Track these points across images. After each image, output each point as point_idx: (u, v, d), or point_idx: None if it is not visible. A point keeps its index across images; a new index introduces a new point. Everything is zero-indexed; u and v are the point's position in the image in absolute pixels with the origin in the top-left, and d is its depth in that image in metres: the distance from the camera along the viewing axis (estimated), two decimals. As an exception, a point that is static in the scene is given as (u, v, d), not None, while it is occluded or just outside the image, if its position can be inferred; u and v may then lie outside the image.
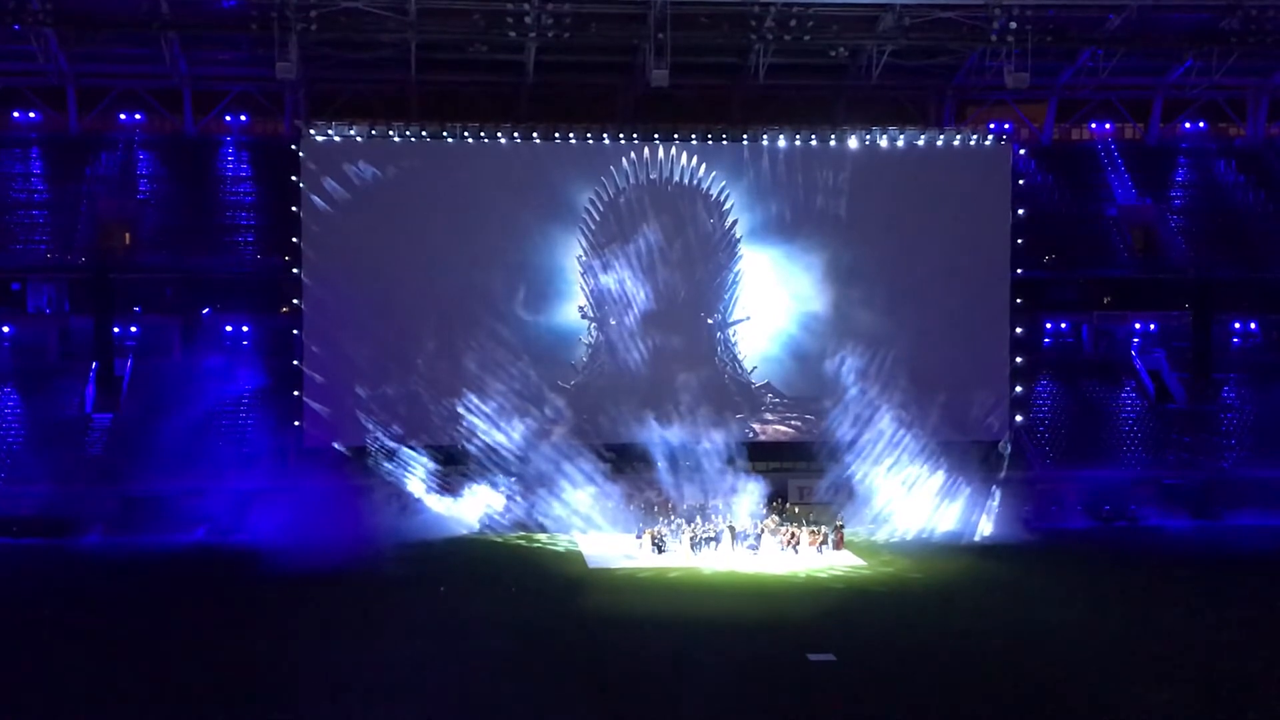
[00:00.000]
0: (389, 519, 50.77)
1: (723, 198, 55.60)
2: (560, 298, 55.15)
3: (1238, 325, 64.76)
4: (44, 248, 61.42)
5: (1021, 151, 61.21)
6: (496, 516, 52.54)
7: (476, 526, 52.29)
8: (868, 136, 56.48)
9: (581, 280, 55.25)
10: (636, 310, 55.28)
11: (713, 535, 48.00)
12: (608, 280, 55.19)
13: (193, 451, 52.16)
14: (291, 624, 37.15)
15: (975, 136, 57.77)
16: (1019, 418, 57.20)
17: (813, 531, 48.50)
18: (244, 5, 56.05)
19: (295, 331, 54.40)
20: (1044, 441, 59.33)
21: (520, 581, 43.30)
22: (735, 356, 56.04)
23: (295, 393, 53.92)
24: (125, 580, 43.41)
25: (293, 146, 55.18)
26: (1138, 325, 64.28)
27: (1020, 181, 58.35)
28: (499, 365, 53.63)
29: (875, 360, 54.01)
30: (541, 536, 51.16)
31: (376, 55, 60.27)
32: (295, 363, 54.08)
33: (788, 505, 51.95)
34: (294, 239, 54.34)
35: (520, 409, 53.42)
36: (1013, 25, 56.66)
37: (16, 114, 64.97)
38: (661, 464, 52.26)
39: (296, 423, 53.95)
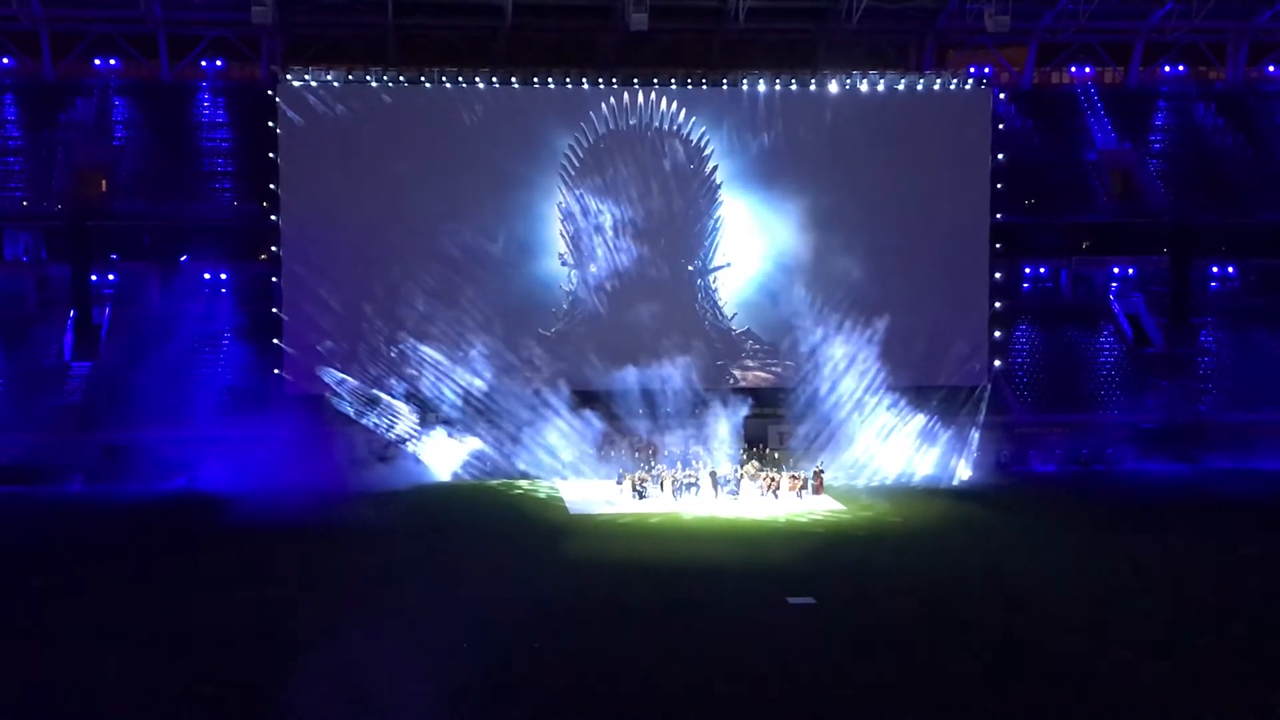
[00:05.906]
0: (371, 467, 50.90)
1: (703, 143, 55.40)
2: (540, 244, 54.99)
3: (1216, 269, 64.92)
4: (20, 195, 61.03)
5: (1001, 96, 61.08)
6: (477, 463, 52.64)
7: (459, 473, 52.40)
8: (848, 81, 56.21)
9: (561, 227, 55.12)
10: (617, 257, 55.15)
11: (693, 481, 48.21)
12: (588, 227, 55.06)
13: (173, 399, 51.97)
14: (273, 573, 37.19)
15: (955, 81, 57.34)
16: (998, 362, 57.35)
17: (793, 476, 48.83)
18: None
19: (274, 279, 54.22)
20: (1022, 386, 59.63)
21: (502, 527, 43.64)
22: (715, 303, 56.05)
23: (275, 340, 53.84)
24: (108, 527, 43.45)
25: (269, 92, 54.71)
26: (1116, 270, 64.51)
27: (1000, 126, 58.15)
28: (479, 312, 53.49)
29: (855, 305, 53.99)
30: (523, 483, 51.32)
31: (353, -1, 59.82)
32: (274, 310, 53.96)
33: (768, 451, 52.25)
34: (271, 185, 54.05)
35: (500, 356, 53.38)
36: (993, -32, 56.55)
37: (-10, 60, 64.46)
38: (642, 410, 52.35)
39: (276, 370, 53.90)
